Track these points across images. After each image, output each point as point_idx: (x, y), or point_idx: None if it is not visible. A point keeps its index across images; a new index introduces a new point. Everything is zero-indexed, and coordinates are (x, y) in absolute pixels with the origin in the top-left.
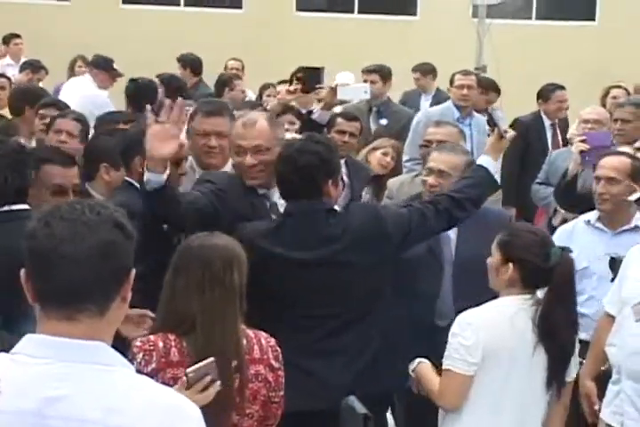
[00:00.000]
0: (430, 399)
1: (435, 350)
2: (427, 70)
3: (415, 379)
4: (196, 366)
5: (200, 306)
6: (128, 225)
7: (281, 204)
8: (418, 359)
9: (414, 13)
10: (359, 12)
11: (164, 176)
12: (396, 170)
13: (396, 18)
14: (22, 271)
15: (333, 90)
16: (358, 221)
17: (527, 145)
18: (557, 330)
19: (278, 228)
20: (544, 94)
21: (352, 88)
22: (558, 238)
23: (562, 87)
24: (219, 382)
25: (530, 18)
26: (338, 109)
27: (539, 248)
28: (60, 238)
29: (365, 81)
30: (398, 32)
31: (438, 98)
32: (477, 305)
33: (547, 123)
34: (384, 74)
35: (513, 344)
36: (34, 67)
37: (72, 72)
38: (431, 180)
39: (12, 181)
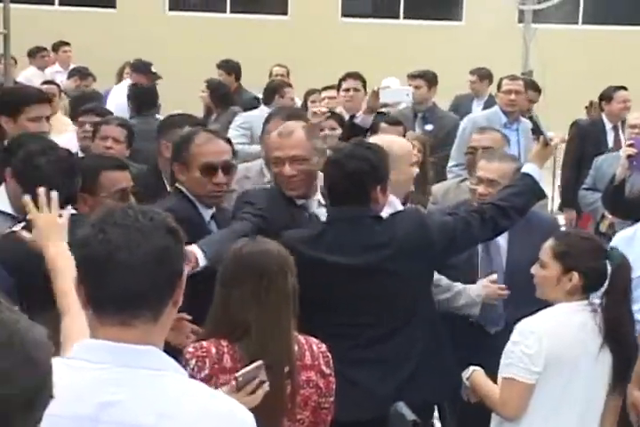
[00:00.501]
0: (482, 408)
1: (484, 357)
2: (484, 75)
3: (470, 387)
4: (245, 369)
5: (256, 314)
6: (179, 230)
7: (322, 213)
8: (472, 367)
9: (459, 19)
10: (404, 18)
11: (201, 262)
12: (424, 164)
13: (441, 23)
14: (74, 277)
15: (375, 93)
16: (404, 229)
17: (585, 148)
18: (622, 331)
19: (321, 234)
20: (607, 95)
21: (394, 91)
22: (617, 244)
23: (624, 88)
24: (267, 384)
25: (576, 23)
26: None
27: (599, 253)
28: (115, 245)
29: (410, 86)
30: (443, 37)
31: (490, 103)
32: (529, 312)
33: (608, 126)
34: (429, 79)
35: (576, 352)
36: (82, 73)
37: (120, 78)
38: (481, 189)
39: (63, 186)
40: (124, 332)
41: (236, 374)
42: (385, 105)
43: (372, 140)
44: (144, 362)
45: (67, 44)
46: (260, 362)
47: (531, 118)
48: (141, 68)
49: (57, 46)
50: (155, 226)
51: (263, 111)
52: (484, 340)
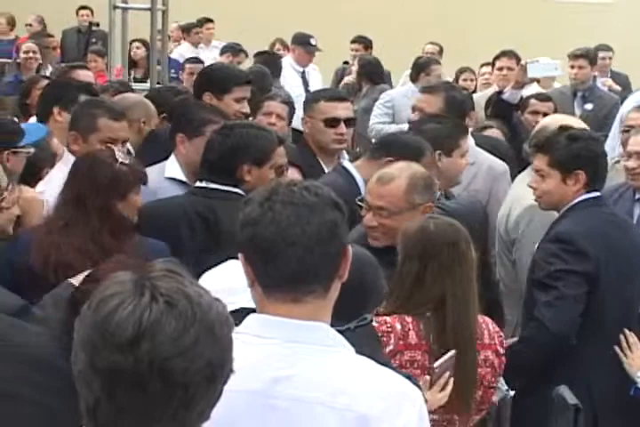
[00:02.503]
0: None
1: None
2: None
3: None
4: (441, 360)
5: (451, 285)
6: (342, 203)
7: None
8: None
9: None
10: None
11: None
12: None
13: (591, 1)
14: (240, 256)
15: (523, 68)
16: None
17: None
18: None
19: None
20: None
21: (542, 65)
22: None
23: None
24: (452, 380)
25: None
26: (533, 89)
27: None
28: (286, 223)
29: (572, 67)
30: (594, 16)
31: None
32: None
33: None
34: (591, 58)
35: None
36: (234, 50)
37: None
38: (630, 162)
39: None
40: (295, 308)
41: (435, 365)
42: (534, 80)
43: (547, 120)
44: (314, 338)
45: (210, 20)
46: (453, 352)
47: None
48: (299, 40)
49: (201, 23)
50: (321, 201)
51: (409, 89)
52: None
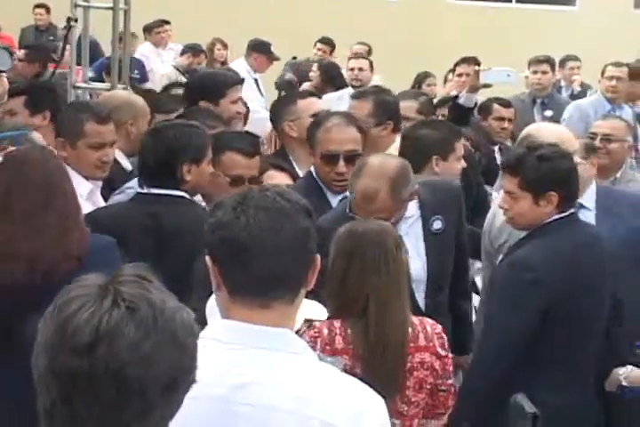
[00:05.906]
0: None
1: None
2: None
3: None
4: None
5: (376, 285)
6: (312, 210)
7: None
8: (630, 367)
9: (573, 3)
10: (517, 1)
11: None
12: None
13: (554, 8)
14: (208, 260)
15: (477, 73)
16: None
17: None
18: None
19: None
20: None
21: (495, 72)
22: None
23: None
24: None
25: None
26: None
27: None
28: (259, 228)
29: (535, 72)
30: (556, 22)
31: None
32: None
33: None
34: (552, 64)
35: None
36: (195, 51)
37: (212, 54)
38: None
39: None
40: (261, 314)
41: None
42: (486, 86)
43: (532, 129)
44: (279, 344)
45: (167, 22)
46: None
47: None
48: (260, 47)
49: (157, 24)
50: (294, 207)
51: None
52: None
